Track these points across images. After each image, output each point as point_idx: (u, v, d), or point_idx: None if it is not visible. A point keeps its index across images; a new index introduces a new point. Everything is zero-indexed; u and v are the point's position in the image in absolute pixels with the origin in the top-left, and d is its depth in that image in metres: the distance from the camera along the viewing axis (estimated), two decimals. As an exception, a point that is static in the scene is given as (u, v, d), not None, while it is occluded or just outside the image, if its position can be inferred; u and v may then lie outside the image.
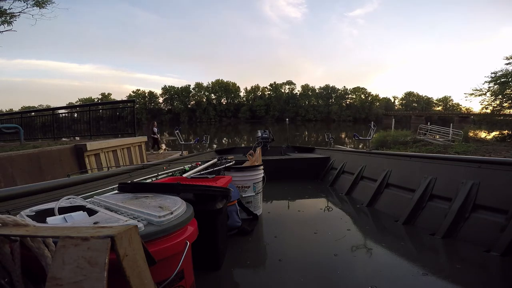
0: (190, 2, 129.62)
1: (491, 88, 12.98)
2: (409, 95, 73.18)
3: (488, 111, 13.48)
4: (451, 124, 15.65)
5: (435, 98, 73.48)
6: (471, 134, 13.04)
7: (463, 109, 59.72)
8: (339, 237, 1.68)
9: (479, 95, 13.46)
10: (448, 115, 53.04)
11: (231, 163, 2.21)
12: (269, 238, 1.72)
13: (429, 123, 15.95)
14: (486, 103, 13.37)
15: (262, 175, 2.20)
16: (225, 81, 69.65)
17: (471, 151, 8.22)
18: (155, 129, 10.66)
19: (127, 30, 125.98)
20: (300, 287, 1.17)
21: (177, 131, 4.50)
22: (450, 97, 72.02)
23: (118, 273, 0.49)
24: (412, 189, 2.04)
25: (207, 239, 1.17)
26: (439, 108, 70.62)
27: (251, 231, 1.79)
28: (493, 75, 12.81)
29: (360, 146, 13.22)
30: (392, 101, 74.07)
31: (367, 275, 1.24)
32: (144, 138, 6.83)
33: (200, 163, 2.25)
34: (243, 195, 2.02)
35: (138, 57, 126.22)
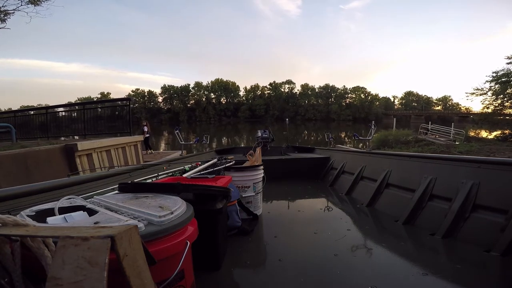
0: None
1: (492, 87, 12.98)
2: (408, 94, 73.18)
3: (490, 110, 13.47)
4: (452, 123, 15.64)
5: (434, 97, 73.75)
6: (472, 134, 13.00)
7: (462, 108, 60.23)
8: (339, 237, 1.68)
9: (480, 95, 13.46)
10: (448, 114, 53.10)
11: (231, 163, 2.21)
12: (269, 238, 1.72)
13: (430, 122, 15.87)
14: (488, 102, 13.36)
15: (262, 175, 2.20)
16: (225, 80, 69.51)
17: (474, 151, 8.16)
18: (146, 127, 10.21)
19: (113, 29, 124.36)
20: (300, 287, 1.17)
21: (177, 131, 4.49)
22: (449, 96, 72.46)
23: (118, 273, 0.49)
24: (412, 189, 2.04)
25: (207, 239, 1.17)
26: (439, 107, 70.72)
27: (251, 231, 1.79)
28: (494, 74, 12.81)
29: (360, 145, 13.22)
30: (392, 100, 74.08)
31: (367, 275, 1.24)
32: (140, 138, 6.61)
33: (200, 163, 2.25)
34: (243, 195, 2.01)
35: (127, 56, 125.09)
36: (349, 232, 1.78)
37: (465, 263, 1.34)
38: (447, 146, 9.82)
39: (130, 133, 6.44)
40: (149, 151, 9.77)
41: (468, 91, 14.03)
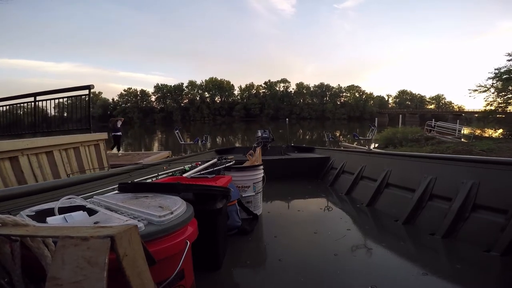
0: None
1: (494, 84, 12.92)
2: (402, 93, 73.74)
3: (493, 107, 13.40)
4: (458, 121, 15.43)
5: (428, 96, 74.45)
6: (478, 132, 12.85)
7: (455, 107, 61.02)
8: (339, 237, 1.68)
9: (484, 91, 13.41)
10: (441, 113, 53.29)
11: (231, 163, 2.21)
12: (269, 238, 1.72)
13: (433, 120, 15.54)
14: (492, 99, 13.28)
15: (262, 175, 2.19)
16: (219, 79, 68.96)
17: (495, 150, 7.94)
18: (118, 123, 8.88)
19: (106, 27, 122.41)
20: (300, 287, 1.17)
21: (177, 131, 4.48)
22: (442, 95, 73.42)
23: (118, 273, 0.49)
24: (412, 189, 2.04)
25: (207, 239, 1.17)
26: (432, 106, 71.28)
27: (251, 231, 1.79)
28: (496, 71, 12.73)
29: (355, 144, 13.01)
30: (386, 99, 74.46)
31: (367, 275, 1.24)
32: (103, 135, 5.18)
33: (200, 163, 2.25)
34: (243, 195, 2.01)
35: (120, 55, 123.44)
36: (349, 232, 1.78)
37: (465, 263, 1.34)
38: (467, 145, 9.41)
39: (89, 129, 5.03)
40: (116, 151, 8.61)
41: (471, 88, 13.96)
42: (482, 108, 14.78)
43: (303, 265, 1.35)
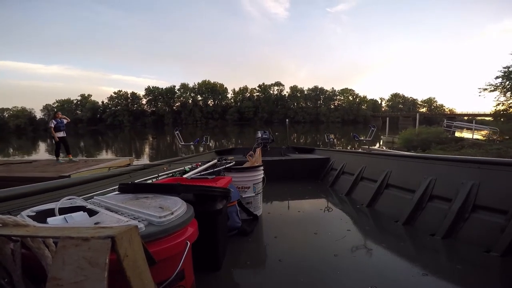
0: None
1: (503, 83, 12.82)
2: (395, 96, 73.31)
3: (504, 107, 13.29)
4: (473, 121, 15.18)
5: (419, 99, 74.31)
6: (494, 136, 12.55)
7: (446, 110, 62.63)
8: (339, 238, 1.68)
9: (493, 90, 13.30)
10: (434, 115, 53.44)
11: (231, 163, 2.22)
12: (269, 239, 1.72)
13: (445, 120, 15.05)
14: (504, 99, 13.12)
15: (262, 175, 2.20)
16: (212, 82, 67.70)
17: None
18: (53, 123, 6.58)
19: (96, 30, 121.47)
20: (300, 287, 1.17)
21: (177, 132, 4.47)
22: (434, 98, 73.18)
23: (118, 273, 0.49)
24: (412, 189, 2.05)
25: (207, 240, 1.17)
26: (424, 109, 71.38)
27: (251, 231, 1.79)
28: (505, 69, 12.59)
29: (355, 145, 12.68)
30: (379, 102, 73.86)
31: (367, 275, 1.24)
32: None
33: (200, 164, 2.25)
34: (243, 196, 2.02)
35: (110, 57, 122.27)
36: (349, 233, 1.78)
37: (465, 264, 1.34)
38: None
39: None
40: (59, 158, 6.72)
41: (481, 87, 13.81)
42: (493, 109, 14.40)
43: (303, 266, 1.35)
